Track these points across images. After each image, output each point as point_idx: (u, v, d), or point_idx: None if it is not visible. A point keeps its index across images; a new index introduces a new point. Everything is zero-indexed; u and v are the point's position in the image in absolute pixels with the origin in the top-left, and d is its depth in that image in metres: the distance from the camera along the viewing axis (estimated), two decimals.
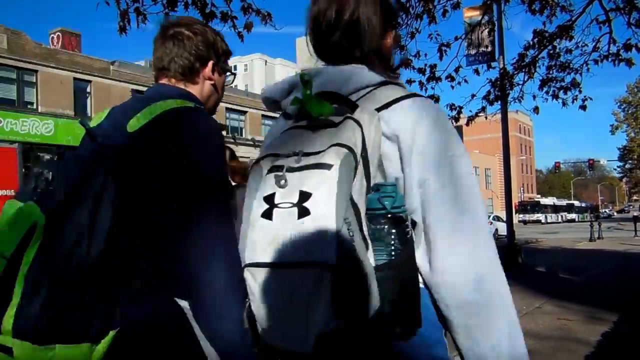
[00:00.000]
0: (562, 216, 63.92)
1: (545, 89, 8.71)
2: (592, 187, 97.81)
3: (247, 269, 0.91)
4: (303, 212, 0.85)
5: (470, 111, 9.07)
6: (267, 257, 0.87)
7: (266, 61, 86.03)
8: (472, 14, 10.27)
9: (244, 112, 36.19)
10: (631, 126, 46.06)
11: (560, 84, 8.68)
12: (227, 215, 1.14)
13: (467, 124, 8.98)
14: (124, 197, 1.08)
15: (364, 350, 0.88)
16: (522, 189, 78.96)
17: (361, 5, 1.11)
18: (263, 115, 37.41)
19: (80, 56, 26.99)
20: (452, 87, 8.10)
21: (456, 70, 8.01)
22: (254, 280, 0.89)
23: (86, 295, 1.04)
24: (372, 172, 0.95)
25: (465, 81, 8.18)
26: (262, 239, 0.89)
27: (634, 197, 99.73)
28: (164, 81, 1.37)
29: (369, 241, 0.89)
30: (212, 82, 1.44)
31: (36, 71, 24.55)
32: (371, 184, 0.93)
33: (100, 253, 1.04)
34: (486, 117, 9.50)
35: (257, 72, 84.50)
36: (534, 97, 8.76)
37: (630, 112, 45.47)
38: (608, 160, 59.70)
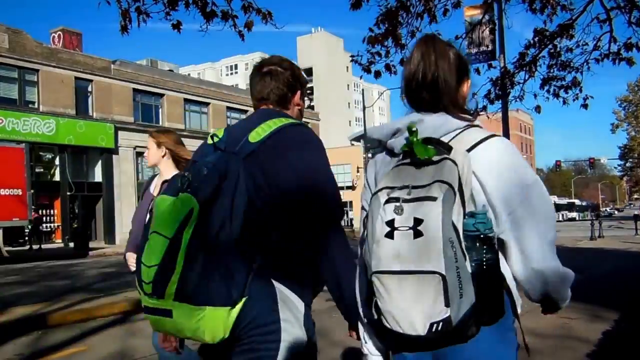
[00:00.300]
0: (563, 215, 63.85)
1: (546, 88, 8.72)
2: (593, 185, 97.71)
3: (375, 275, 1.22)
4: (417, 234, 1.16)
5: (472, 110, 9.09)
6: (392, 267, 1.19)
7: None
8: (472, 13, 10.27)
9: (245, 111, 36.18)
10: (632, 125, 46.05)
11: (561, 82, 8.69)
12: (335, 197, 1.58)
13: None
14: (254, 189, 1.46)
15: (463, 333, 1.21)
16: None
17: (440, 67, 1.42)
18: None
19: (81, 55, 27.02)
20: None
21: None
22: (381, 283, 1.21)
23: (229, 267, 1.35)
24: (466, 201, 1.25)
25: None
26: (386, 253, 1.20)
27: (635, 196, 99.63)
28: (264, 107, 1.73)
29: (467, 254, 1.20)
30: (299, 107, 1.81)
31: (37, 70, 24.58)
32: (466, 211, 1.24)
33: (238, 234, 1.37)
34: (488, 117, 9.51)
35: None
36: (535, 96, 8.77)
37: (630, 110, 45.46)
38: (609, 159, 59.49)
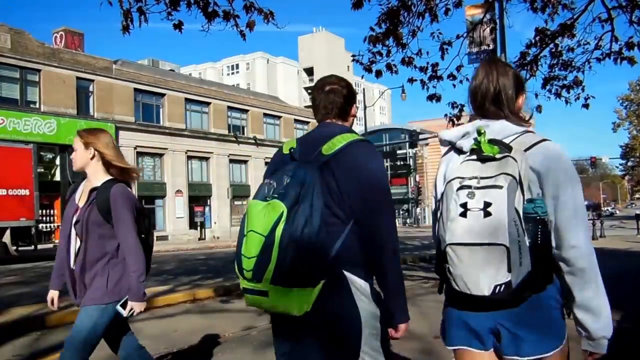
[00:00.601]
0: None
1: (547, 88, 8.70)
2: (594, 185, 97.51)
3: (449, 246, 1.55)
4: (487, 214, 1.50)
5: None
6: (464, 239, 1.52)
7: (268, 60, 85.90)
8: (473, 12, 10.25)
9: (246, 111, 36.19)
10: (633, 124, 45.93)
11: (562, 82, 8.67)
12: (390, 203, 1.92)
13: (470, 122, 8.98)
14: (328, 193, 1.82)
15: (519, 295, 1.53)
16: None
17: (501, 81, 1.75)
18: (264, 114, 37.43)
19: (83, 55, 27.04)
20: (454, 85, 8.10)
21: (458, 69, 8.02)
22: (454, 253, 1.55)
23: (311, 257, 1.71)
24: (525, 190, 1.55)
25: (467, 80, 8.18)
26: (459, 229, 1.53)
27: (636, 195, 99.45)
28: (329, 120, 2.06)
29: (525, 232, 1.50)
30: (353, 117, 2.14)
31: (39, 70, 24.60)
32: (525, 198, 1.55)
33: (317, 230, 1.72)
34: None
35: (259, 70, 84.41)
36: (537, 95, 8.76)
37: (632, 109, 45.33)
38: (610, 158, 59.25)
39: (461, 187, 1.57)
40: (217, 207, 33.12)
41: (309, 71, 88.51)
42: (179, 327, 6.27)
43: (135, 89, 28.86)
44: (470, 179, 1.57)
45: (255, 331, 5.66)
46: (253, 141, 35.82)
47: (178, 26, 5.41)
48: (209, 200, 33.20)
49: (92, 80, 26.82)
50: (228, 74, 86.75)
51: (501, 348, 1.63)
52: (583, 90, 8.63)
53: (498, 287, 1.50)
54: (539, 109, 8.97)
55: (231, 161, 34.70)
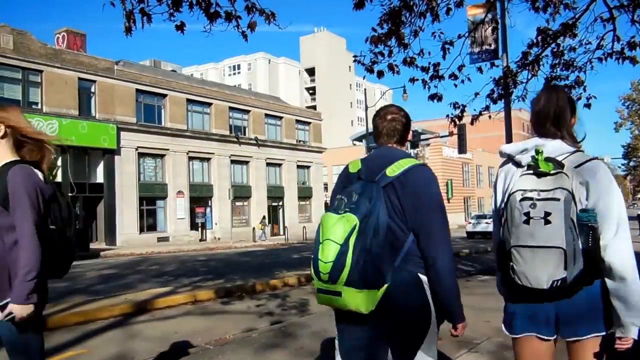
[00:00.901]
0: None
1: None
2: None
3: (514, 248, 1.88)
4: (547, 222, 1.82)
5: (475, 110, 9.04)
6: (528, 242, 1.84)
7: (270, 60, 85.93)
8: (475, 12, 10.23)
9: (247, 111, 36.18)
10: (635, 124, 45.77)
11: (564, 82, 8.64)
12: (445, 218, 2.15)
13: (472, 123, 8.95)
14: (392, 209, 2.11)
15: (572, 289, 1.88)
16: None
17: (559, 105, 2.06)
18: (266, 114, 37.43)
19: (85, 56, 27.05)
20: (456, 85, 8.07)
21: (459, 68, 7.99)
22: (518, 253, 1.87)
23: (379, 263, 1.98)
24: (577, 202, 1.87)
25: (469, 79, 8.15)
26: (523, 234, 1.86)
27: (639, 195, 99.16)
28: (390, 145, 2.34)
29: (578, 236, 1.83)
30: (408, 141, 2.43)
31: (41, 71, 24.61)
32: (578, 208, 1.87)
33: (384, 240, 1.99)
34: (490, 117, 9.45)
35: (260, 71, 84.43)
36: None
37: (634, 109, 45.17)
38: (612, 158, 59.08)
39: (523, 199, 1.89)
40: (218, 208, 33.10)
41: (311, 71, 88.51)
42: (179, 329, 6.26)
43: (137, 90, 28.86)
44: (530, 191, 1.89)
45: (256, 333, 5.64)
46: (254, 142, 35.81)
47: (180, 27, 5.39)
48: (210, 201, 33.19)
49: (94, 81, 26.84)
50: (229, 75, 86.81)
51: (560, 332, 2.00)
52: (585, 90, 8.61)
53: (555, 282, 1.83)
54: None
55: (232, 162, 34.69)
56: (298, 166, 39.90)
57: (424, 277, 2.13)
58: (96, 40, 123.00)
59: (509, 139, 12.65)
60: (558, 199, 1.82)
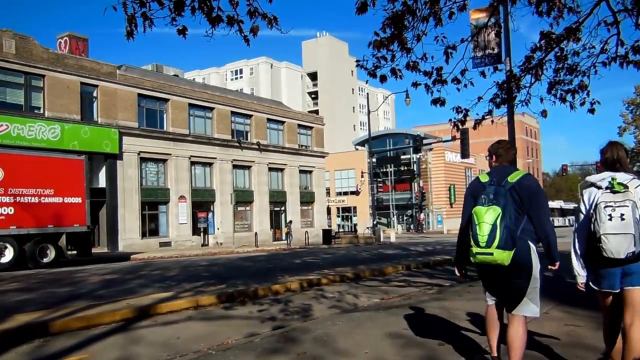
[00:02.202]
0: (569, 220, 63.42)
1: (552, 92, 8.64)
2: None
3: (603, 235, 3.34)
4: (622, 219, 3.33)
5: (477, 114, 9.01)
6: (611, 231, 3.33)
7: (272, 65, 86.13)
8: (478, 16, 10.22)
9: (250, 116, 36.23)
10: (639, 128, 45.69)
11: (567, 86, 8.60)
12: (547, 206, 3.72)
13: (475, 128, 8.92)
14: (514, 203, 3.55)
15: (638, 257, 3.36)
16: None
17: (620, 155, 3.63)
18: (268, 119, 37.46)
19: (87, 60, 27.14)
20: (458, 90, 8.05)
21: (462, 73, 7.96)
22: (606, 238, 3.33)
23: (513, 235, 3.44)
24: (638, 207, 3.37)
25: (472, 84, 8.12)
26: (608, 226, 3.34)
27: None
28: (505, 164, 3.84)
29: None
30: (511, 161, 4.13)
31: (43, 76, 24.69)
32: (639, 212, 3.36)
33: (514, 221, 3.48)
34: (492, 122, 9.42)
35: (262, 75, 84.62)
36: (542, 100, 8.69)
37: (638, 113, 45.13)
38: None
39: (606, 206, 3.37)
40: (220, 213, 33.09)
41: (313, 76, 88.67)
42: (181, 334, 6.23)
43: (139, 94, 28.92)
44: (609, 202, 3.38)
45: (258, 338, 5.60)
46: (256, 146, 35.84)
47: (182, 32, 5.39)
48: (212, 206, 33.19)
49: (96, 86, 26.91)
50: (232, 79, 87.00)
51: (622, 284, 3.45)
52: (588, 94, 8.56)
53: (629, 253, 3.30)
54: (544, 113, 8.91)
55: (235, 167, 34.71)
56: (300, 171, 39.89)
57: (532, 246, 3.61)
58: (98, 45, 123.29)
59: (512, 144, 12.61)
60: (627, 206, 3.31)
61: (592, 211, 3.46)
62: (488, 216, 3.42)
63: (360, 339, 5.38)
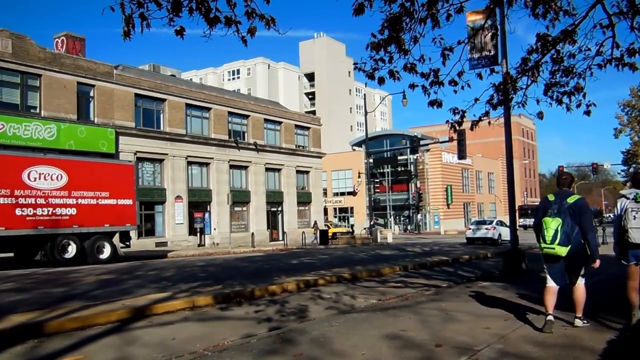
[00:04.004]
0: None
1: (549, 94, 8.66)
2: (596, 191, 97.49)
3: (630, 229, 5.57)
4: None
5: (474, 116, 9.02)
6: (635, 226, 5.57)
7: (269, 65, 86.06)
8: (475, 18, 10.25)
9: (246, 116, 36.20)
10: (635, 130, 45.87)
11: (564, 88, 8.62)
12: (592, 220, 5.66)
13: (472, 129, 8.92)
14: (571, 217, 5.50)
15: None
16: (525, 193, 78.67)
17: None
18: (265, 119, 37.44)
19: (84, 60, 27.07)
20: (455, 91, 8.05)
21: (459, 74, 7.97)
22: (632, 230, 5.56)
23: (569, 237, 5.44)
24: None
25: (469, 86, 8.13)
26: (632, 224, 5.59)
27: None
28: (565, 189, 5.83)
29: None
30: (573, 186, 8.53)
31: (40, 75, 24.61)
32: None
33: (572, 229, 5.44)
34: (489, 123, 9.43)
35: (259, 76, 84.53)
36: (538, 101, 8.71)
37: (633, 115, 45.29)
38: (612, 164, 59.22)
39: (632, 210, 5.52)
40: (217, 213, 33.06)
41: (310, 76, 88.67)
42: (177, 334, 6.22)
43: (136, 94, 28.86)
44: (634, 208, 5.52)
45: (254, 339, 5.60)
46: (253, 147, 35.82)
47: (180, 32, 5.37)
48: (208, 206, 33.15)
49: (93, 86, 26.85)
50: (229, 79, 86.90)
51: None
52: (584, 97, 8.59)
53: None
54: (540, 115, 8.93)
55: (231, 167, 34.68)
56: (297, 171, 39.89)
57: (583, 243, 5.44)
58: (95, 45, 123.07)
59: (508, 145, 12.68)
60: None
61: (622, 214, 5.64)
62: (553, 224, 5.41)
63: (357, 340, 5.38)
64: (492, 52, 11.75)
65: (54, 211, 18.17)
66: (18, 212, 17.24)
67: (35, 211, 17.66)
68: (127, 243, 21.49)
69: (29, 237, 17.71)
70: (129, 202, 20.75)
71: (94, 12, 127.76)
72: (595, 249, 5.46)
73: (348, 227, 51.45)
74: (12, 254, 18.96)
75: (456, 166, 58.61)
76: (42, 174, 17.96)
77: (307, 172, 41.04)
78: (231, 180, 34.58)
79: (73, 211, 18.72)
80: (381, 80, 7.41)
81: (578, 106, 8.67)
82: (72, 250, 18.56)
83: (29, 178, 17.58)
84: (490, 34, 9.80)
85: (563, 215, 5.39)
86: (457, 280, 11.41)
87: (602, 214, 73.34)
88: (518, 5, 7.43)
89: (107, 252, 19.56)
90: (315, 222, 36.46)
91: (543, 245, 5.48)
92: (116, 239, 20.18)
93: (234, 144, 34.46)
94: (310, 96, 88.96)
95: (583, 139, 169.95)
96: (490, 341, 5.19)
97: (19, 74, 23.93)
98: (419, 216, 56.76)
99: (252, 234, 32.70)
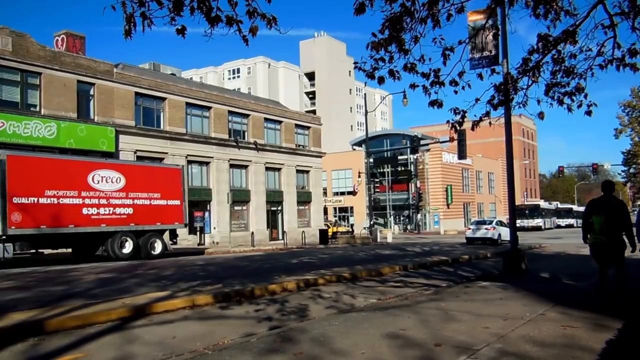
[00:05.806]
0: (564, 221, 63.63)
1: (550, 94, 8.66)
2: (596, 191, 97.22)
3: None
4: None
5: (475, 116, 9.03)
6: None
7: (269, 64, 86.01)
8: (476, 18, 10.25)
9: (247, 116, 36.18)
10: (635, 130, 45.82)
11: (565, 89, 8.62)
12: (630, 219, 7.59)
13: (472, 129, 8.93)
14: (616, 214, 7.42)
15: None
16: (525, 193, 78.68)
17: None
18: (265, 119, 37.43)
19: (84, 59, 27.04)
20: (456, 92, 8.06)
21: (460, 75, 7.97)
22: None
23: (613, 230, 7.39)
24: None
25: (469, 86, 8.14)
26: None
27: (638, 202, 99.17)
28: (608, 194, 7.69)
29: None
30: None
31: (40, 73, 24.58)
32: None
33: (613, 223, 7.39)
34: (490, 123, 9.44)
35: (260, 75, 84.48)
36: (539, 102, 8.71)
37: (634, 116, 45.23)
38: (612, 165, 59.12)
39: None
40: (216, 213, 33.05)
41: (310, 76, 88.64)
42: (177, 333, 6.22)
43: (136, 93, 28.84)
44: None
45: (255, 338, 5.61)
46: (254, 146, 35.81)
47: (181, 31, 5.38)
48: (208, 206, 33.13)
49: (93, 84, 26.83)
50: (229, 79, 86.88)
51: None
52: (585, 97, 8.59)
53: None
54: (541, 115, 8.94)
55: (231, 166, 34.66)
56: (297, 171, 39.87)
57: (623, 235, 7.29)
58: (95, 43, 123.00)
59: (509, 145, 12.68)
60: None
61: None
62: (599, 220, 7.29)
63: (357, 339, 5.39)
64: (493, 52, 11.75)
65: (114, 210, 20.02)
66: (85, 211, 19.05)
67: (98, 210, 19.51)
68: (175, 240, 23.35)
69: (93, 234, 19.52)
70: (177, 202, 22.49)
71: (94, 10, 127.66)
72: (633, 242, 7.26)
73: (348, 226, 51.43)
74: (70, 250, 20.86)
75: (456, 166, 58.61)
76: (104, 177, 19.82)
77: (307, 172, 41.03)
78: (231, 179, 34.56)
79: (130, 210, 20.53)
80: (381, 80, 7.41)
81: (579, 106, 8.67)
82: (129, 246, 20.36)
83: (93, 181, 19.42)
84: (491, 34, 9.79)
85: (607, 215, 7.27)
86: (456, 280, 11.42)
87: None
88: (519, 5, 7.42)
89: (158, 248, 21.41)
90: (336, 221, 38.39)
91: (592, 236, 7.47)
92: (166, 236, 22.03)
93: (234, 143, 34.45)
94: (310, 95, 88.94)
95: (583, 139, 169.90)
96: (490, 340, 5.20)
97: (18, 72, 23.91)
98: (419, 216, 56.76)
99: (252, 233, 32.69)
